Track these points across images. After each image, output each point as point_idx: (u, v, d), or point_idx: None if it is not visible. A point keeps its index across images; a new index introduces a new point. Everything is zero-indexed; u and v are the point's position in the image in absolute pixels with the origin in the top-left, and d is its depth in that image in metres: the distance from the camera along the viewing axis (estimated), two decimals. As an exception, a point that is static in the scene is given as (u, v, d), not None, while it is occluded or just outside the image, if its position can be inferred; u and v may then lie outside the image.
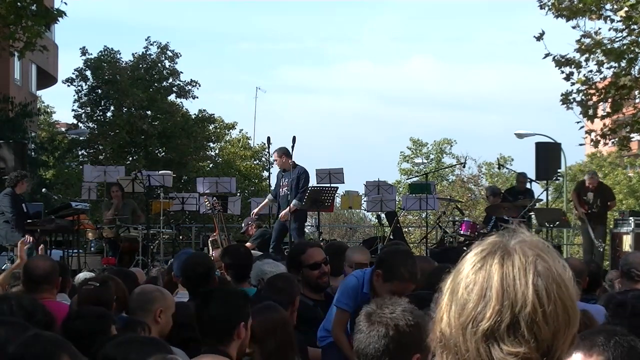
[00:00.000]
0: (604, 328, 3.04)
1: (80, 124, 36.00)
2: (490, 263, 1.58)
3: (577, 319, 1.59)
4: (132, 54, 36.59)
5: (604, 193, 15.49)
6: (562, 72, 17.28)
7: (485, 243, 1.63)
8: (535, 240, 1.63)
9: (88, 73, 35.79)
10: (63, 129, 39.77)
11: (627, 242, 14.94)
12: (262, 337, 4.21)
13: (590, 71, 17.33)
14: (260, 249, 13.78)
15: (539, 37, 17.06)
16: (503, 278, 1.56)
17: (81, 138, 34.82)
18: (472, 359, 1.56)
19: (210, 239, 15.09)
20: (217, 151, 40.65)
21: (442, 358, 1.61)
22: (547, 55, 17.17)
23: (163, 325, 4.78)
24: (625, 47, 16.83)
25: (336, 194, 16.63)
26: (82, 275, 8.04)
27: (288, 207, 13.12)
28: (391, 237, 14.68)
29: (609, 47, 16.79)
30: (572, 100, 17.47)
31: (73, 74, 35.96)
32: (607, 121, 18.15)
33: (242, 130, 42.14)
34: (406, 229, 28.04)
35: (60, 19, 16.10)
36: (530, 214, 15.77)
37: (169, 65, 36.66)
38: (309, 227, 18.64)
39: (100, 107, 36.17)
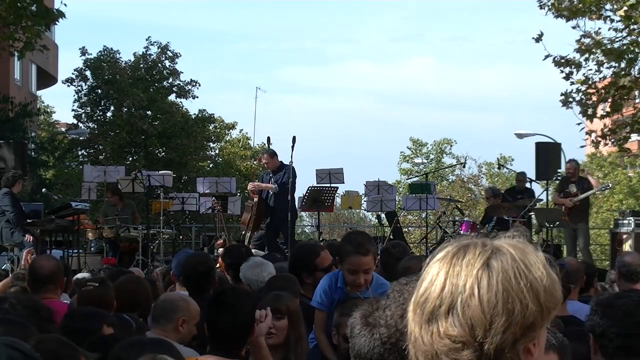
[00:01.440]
0: (552, 329, 3.09)
1: (80, 124, 36.00)
2: (448, 257, 1.67)
3: (528, 314, 1.61)
4: (133, 53, 36.68)
5: (584, 186, 15.18)
6: (562, 71, 17.29)
7: (454, 242, 1.71)
8: (510, 240, 1.68)
9: (88, 73, 35.80)
10: (63, 129, 39.77)
11: (627, 242, 14.92)
12: (294, 319, 4.34)
13: (590, 70, 17.34)
14: (260, 249, 13.81)
15: (538, 39, 17.06)
16: (451, 266, 1.65)
17: (81, 138, 34.82)
18: (419, 345, 1.65)
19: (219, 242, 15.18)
20: (217, 151, 40.66)
21: (410, 351, 1.70)
22: (547, 56, 17.17)
23: (184, 334, 4.77)
24: (625, 47, 16.83)
25: (336, 194, 16.64)
26: (80, 276, 8.04)
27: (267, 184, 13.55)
28: (391, 237, 14.68)
29: (608, 47, 16.78)
30: (571, 100, 17.47)
31: (73, 74, 36.02)
32: (607, 121, 18.15)
33: (242, 130, 42.21)
34: (406, 229, 28.04)
35: (60, 19, 16.11)
36: (530, 214, 15.76)
37: (169, 65, 36.69)
38: (309, 227, 18.65)
39: (100, 107, 36.18)
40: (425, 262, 1.71)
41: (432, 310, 1.63)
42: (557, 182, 16.58)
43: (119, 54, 36.40)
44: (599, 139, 18.02)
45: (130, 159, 35.66)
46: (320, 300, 5.32)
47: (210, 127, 38.98)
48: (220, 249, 13.58)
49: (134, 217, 15.62)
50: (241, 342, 4.09)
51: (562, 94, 17.53)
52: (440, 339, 1.62)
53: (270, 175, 13.82)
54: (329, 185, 15.06)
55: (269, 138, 14.84)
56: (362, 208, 19.07)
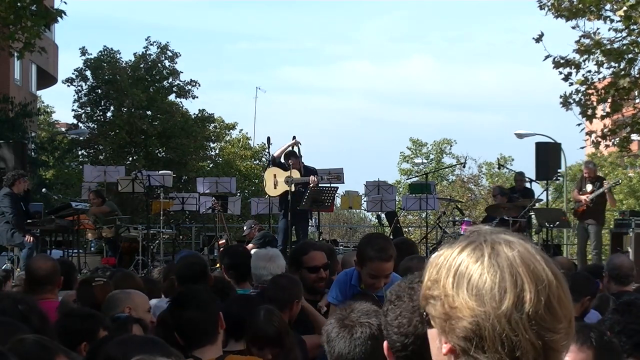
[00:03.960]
0: (595, 325, 3.07)
1: (80, 124, 36.01)
2: (486, 252, 1.60)
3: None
4: (133, 53, 36.68)
5: (600, 185, 15.20)
6: (561, 73, 17.28)
7: (459, 241, 1.66)
8: (498, 230, 1.68)
9: (88, 73, 35.81)
10: (63, 129, 39.77)
11: (628, 242, 14.90)
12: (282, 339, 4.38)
13: (589, 71, 17.34)
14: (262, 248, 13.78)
15: (538, 39, 17.05)
16: (522, 259, 1.59)
17: (81, 138, 34.82)
18: (524, 345, 1.57)
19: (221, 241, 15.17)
20: (217, 151, 40.67)
21: (479, 355, 1.59)
22: (547, 57, 17.16)
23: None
24: (624, 47, 16.83)
25: (336, 194, 16.63)
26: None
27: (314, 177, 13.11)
28: (391, 237, 14.67)
29: (608, 47, 16.78)
30: (571, 102, 17.47)
31: (73, 74, 36.05)
32: (607, 121, 18.15)
33: (242, 130, 42.22)
34: (406, 229, 28.03)
35: (60, 19, 16.09)
36: (530, 214, 15.74)
37: (169, 65, 36.69)
38: (309, 227, 18.61)
39: (100, 107, 36.19)
40: (454, 267, 1.62)
41: (531, 310, 1.57)
42: (577, 179, 16.59)
43: (119, 54, 36.47)
44: (599, 139, 18.01)
45: (130, 159, 35.66)
46: (335, 295, 5.41)
47: (210, 127, 39.00)
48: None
49: (102, 207, 15.49)
50: (205, 339, 4.19)
51: (561, 97, 17.53)
52: (549, 335, 1.58)
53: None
54: (329, 185, 15.05)
55: (269, 138, 14.80)
56: (362, 208, 19.08)
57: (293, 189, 12.99)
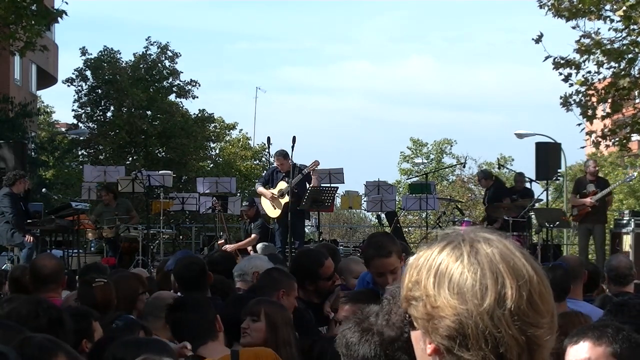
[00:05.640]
0: (612, 322, 3.07)
1: (80, 124, 36.02)
2: (465, 250, 1.61)
3: None
4: (133, 54, 36.70)
5: (603, 186, 15.06)
6: (561, 74, 17.28)
7: (438, 242, 1.66)
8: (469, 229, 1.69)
9: (88, 73, 35.83)
10: (63, 129, 39.78)
11: (627, 242, 14.88)
12: (274, 325, 4.44)
13: (589, 72, 17.35)
14: (260, 239, 13.85)
15: (538, 40, 17.06)
16: (502, 256, 1.59)
17: (81, 138, 34.84)
18: (508, 341, 1.57)
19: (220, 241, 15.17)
20: (217, 151, 40.69)
21: (463, 353, 1.60)
22: (547, 57, 17.17)
23: None
24: (624, 47, 16.84)
25: (336, 194, 16.64)
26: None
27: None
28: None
29: (608, 47, 16.79)
30: (571, 102, 17.47)
31: (73, 74, 36.07)
32: (607, 122, 18.16)
33: (242, 130, 42.23)
34: (406, 229, 28.03)
35: (60, 19, 16.10)
36: (530, 214, 15.74)
37: (169, 65, 36.70)
38: (309, 227, 18.66)
39: (100, 107, 36.21)
40: (434, 266, 1.62)
41: (514, 305, 1.57)
42: (574, 183, 16.41)
43: (119, 54, 36.49)
44: (599, 139, 18.02)
45: (130, 159, 35.68)
46: None
47: (210, 127, 39.02)
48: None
49: (131, 214, 15.43)
50: (199, 338, 4.26)
51: (561, 97, 17.54)
52: (532, 330, 1.58)
53: (283, 174, 13.59)
54: (329, 185, 15.06)
55: (269, 138, 14.81)
56: (362, 208, 19.08)
57: (289, 197, 13.05)
